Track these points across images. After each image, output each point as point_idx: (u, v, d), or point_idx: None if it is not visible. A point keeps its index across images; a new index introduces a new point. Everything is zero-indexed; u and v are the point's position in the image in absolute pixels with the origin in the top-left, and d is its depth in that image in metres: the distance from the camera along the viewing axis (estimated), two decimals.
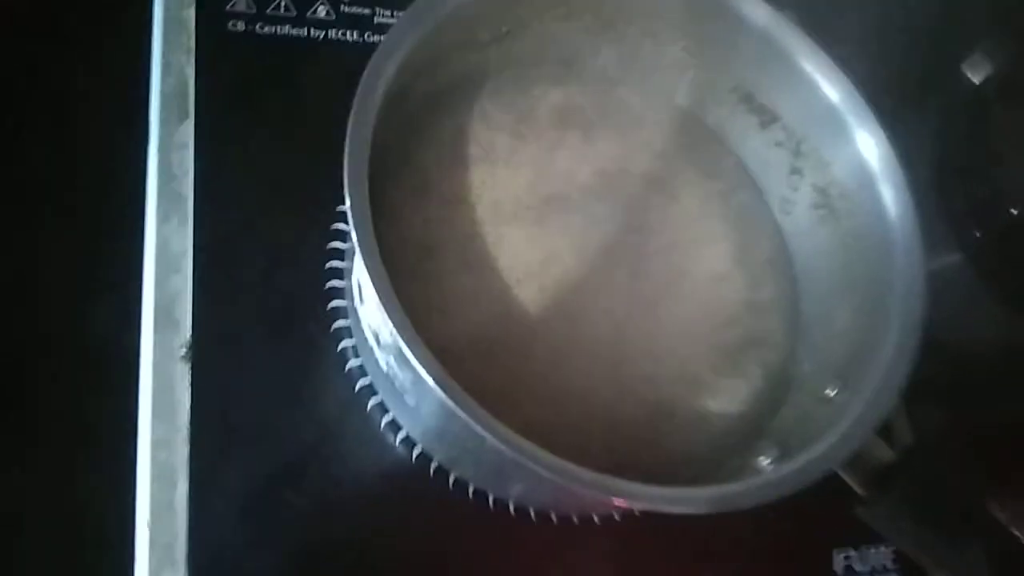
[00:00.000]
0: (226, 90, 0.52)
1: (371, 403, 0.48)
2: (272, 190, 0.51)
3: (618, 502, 0.36)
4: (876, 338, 0.43)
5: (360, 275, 0.42)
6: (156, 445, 0.45)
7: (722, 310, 0.48)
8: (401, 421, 0.47)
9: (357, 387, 0.48)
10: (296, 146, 0.52)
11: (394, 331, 0.35)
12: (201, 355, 0.47)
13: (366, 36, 0.56)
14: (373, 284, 0.35)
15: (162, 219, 0.49)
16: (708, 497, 0.37)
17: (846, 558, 0.52)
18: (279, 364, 0.48)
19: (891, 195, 0.45)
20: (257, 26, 0.54)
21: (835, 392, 0.43)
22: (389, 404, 0.47)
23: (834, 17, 0.51)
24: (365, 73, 0.39)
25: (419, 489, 0.47)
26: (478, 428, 0.34)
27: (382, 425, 0.47)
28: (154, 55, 0.52)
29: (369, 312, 0.43)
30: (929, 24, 0.70)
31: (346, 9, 0.56)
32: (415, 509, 0.47)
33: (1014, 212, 0.64)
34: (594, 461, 0.35)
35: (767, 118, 0.50)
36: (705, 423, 0.45)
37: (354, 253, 0.43)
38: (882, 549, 0.52)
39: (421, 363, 0.35)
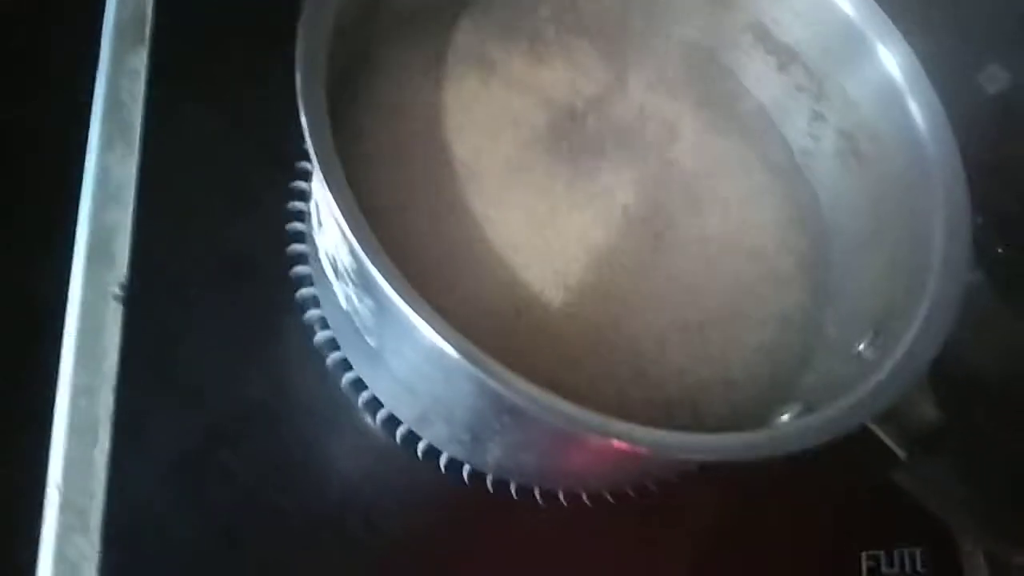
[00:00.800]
0: (187, 20, 0.48)
1: (332, 359, 0.42)
2: (229, 125, 0.46)
3: (618, 445, 0.30)
4: (915, 286, 0.37)
5: (318, 192, 0.37)
6: (77, 392, 0.39)
7: (748, 270, 0.42)
8: (365, 377, 0.41)
9: (317, 340, 0.42)
10: (255, 84, 0.47)
11: (350, 235, 0.29)
12: (137, 295, 0.41)
13: None
14: (329, 191, 0.30)
15: (105, 146, 0.44)
16: (715, 444, 0.32)
17: (873, 559, 0.45)
18: (227, 310, 0.42)
19: (921, 113, 0.40)
20: None
21: (865, 346, 0.38)
22: (351, 357, 0.42)
23: None
24: None
25: (383, 457, 0.41)
26: (449, 349, 0.28)
27: (343, 383, 0.41)
28: None
29: (327, 236, 0.37)
30: (943, 32, 0.67)
31: None
32: (376, 480, 0.41)
33: None
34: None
35: (786, 58, 0.45)
36: (729, 387, 0.39)
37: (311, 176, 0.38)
38: (908, 551, 0.46)
39: (380, 271, 0.29)
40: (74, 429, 0.39)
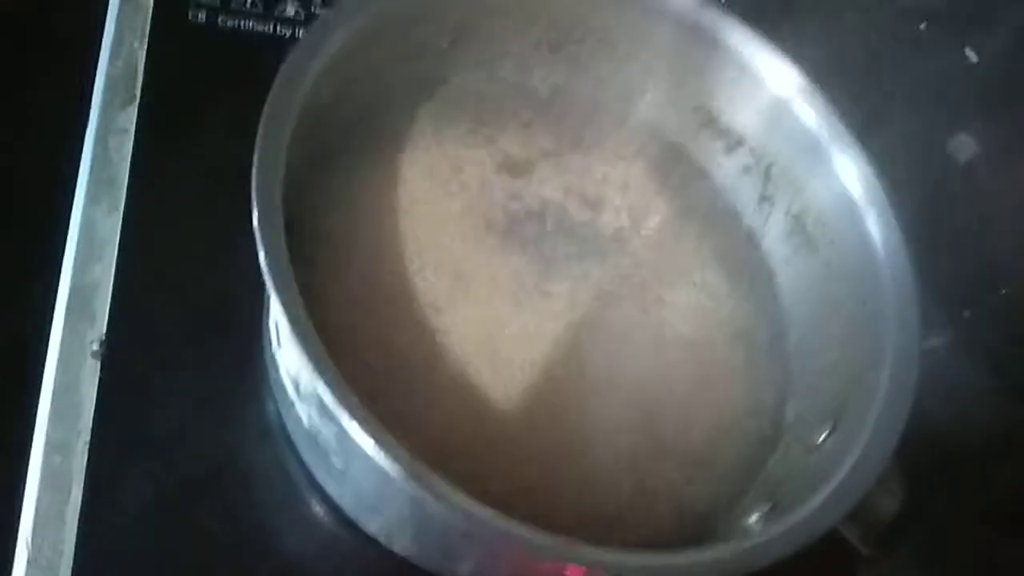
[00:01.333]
0: (177, 80, 0.49)
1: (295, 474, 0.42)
2: (213, 187, 0.46)
3: (592, 573, 0.31)
4: (868, 377, 0.38)
5: (276, 311, 0.36)
6: (51, 447, 0.40)
7: (702, 364, 0.43)
8: (331, 491, 0.41)
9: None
10: (245, 146, 0.48)
11: (313, 372, 0.30)
12: (114, 353, 0.42)
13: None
14: (285, 313, 0.30)
15: (90, 201, 0.45)
16: (693, 563, 0.32)
17: None
18: (202, 371, 0.43)
19: (875, 220, 0.41)
20: (220, 19, 0.51)
21: (826, 437, 0.39)
22: (316, 473, 0.41)
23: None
24: (276, 84, 0.36)
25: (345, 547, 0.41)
26: (421, 491, 0.29)
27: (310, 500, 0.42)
28: (106, 35, 0.49)
29: (288, 356, 0.37)
30: (915, 103, 0.69)
31: (318, 10, 0.53)
32: (338, 564, 0.41)
33: (1004, 291, 0.62)
34: (562, 528, 0.30)
35: (732, 141, 0.46)
36: (689, 482, 0.39)
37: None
38: None
39: (346, 409, 0.29)
40: (47, 485, 0.39)
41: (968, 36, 0.66)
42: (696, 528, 0.39)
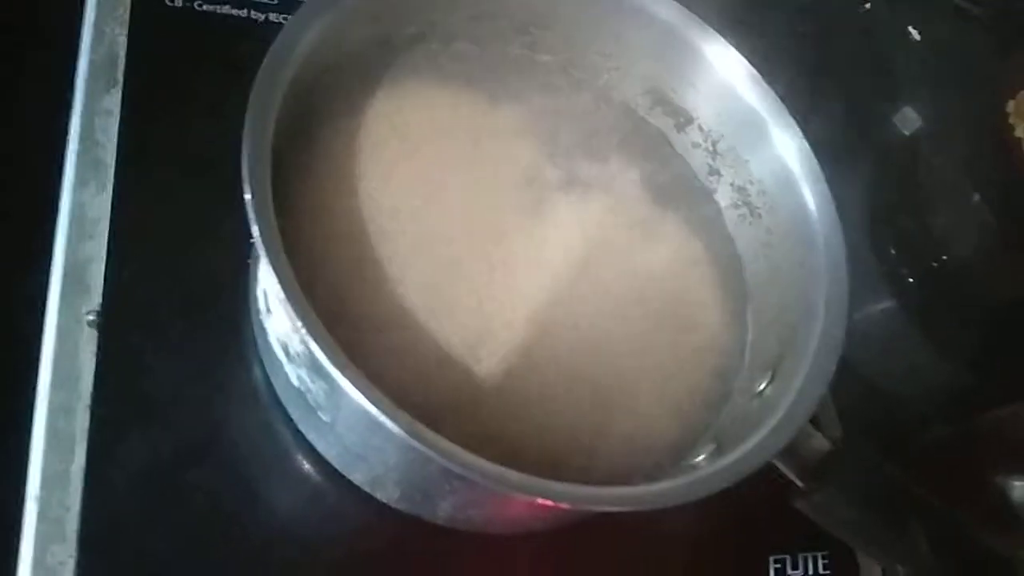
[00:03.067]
0: (158, 63, 0.51)
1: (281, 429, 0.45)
2: (197, 166, 0.49)
3: (555, 504, 0.34)
4: (803, 331, 0.42)
5: (266, 281, 0.40)
6: (54, 411, 0.43)
7: (670, 311, 0.46)
8: (316, 444, 0.44)
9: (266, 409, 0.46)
10: (225, 125, 0.50)
11: (305, 336, 0.32)
12: (110, 323, 0.45)
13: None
14: (280, 286, 0.33)
15: (80, 183, 0.47)
16: (640, 495, 0.36)
17: (779, 563, 0.51)
18: (193, 338, 0.46)
19: (810, 190, 0.45)
20: (196, 3, 0.53)
21: (765, 386, 0.43)
22: (302, 426, 0.44)
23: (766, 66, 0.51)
24: (263, 66, 0.38)
25: (331, 497, 0.45)
26: (409, 439, 0.32)
27: (295, 451, 0.45)
28: (85, 22, 0.51)
29: (277, 322, 0.40)
30: (862, 76, 0.72)
31: None
32: (323, 513, 0.45)
33: (945, 257, 0.66)
34: (528, 468, 0.34)
35: (683, 120, 0.50)
36: (649, 431, 0.43)
37: (258, 263, 0.41)
38: (812, 556, 0.52)
39: (338, 368, 0.32)
40: (51, 446, 0.42)
41: (911, 16, 0.69)
42: (650, 470, 0.42)
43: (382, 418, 0.32)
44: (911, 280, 0.68)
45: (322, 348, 0.32)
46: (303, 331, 0.33)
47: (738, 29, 0.49)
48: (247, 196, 0.34)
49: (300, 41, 0.39)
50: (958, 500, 0.50)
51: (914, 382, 0.68)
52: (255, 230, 0.34)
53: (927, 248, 0.68)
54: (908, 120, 0.70)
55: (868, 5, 0.72)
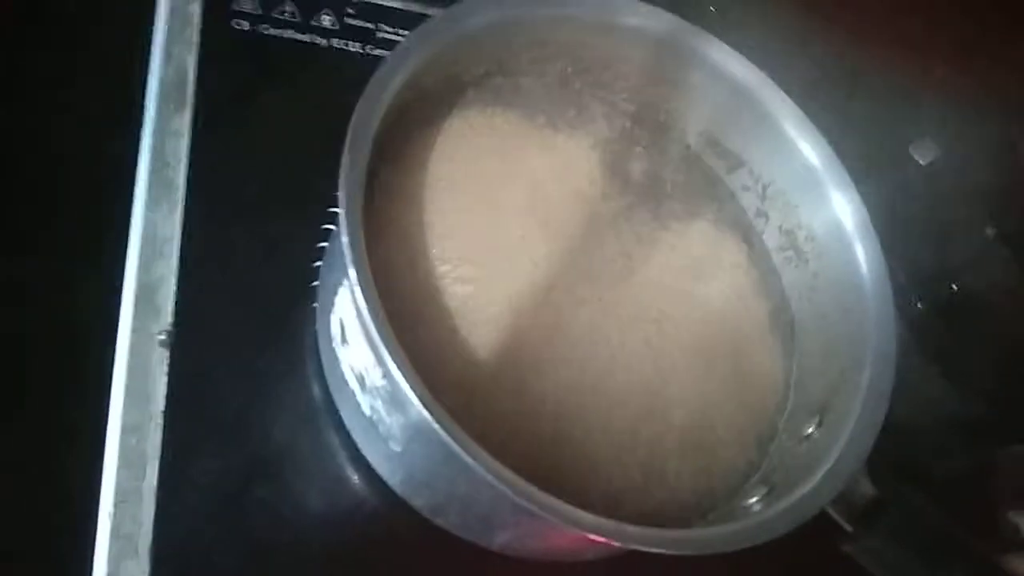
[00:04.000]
0: (226, 85, 0.52)
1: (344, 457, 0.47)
2: (264, 187, 0.51)
3: (617, 544, 0.36)
4: (850, 378, 0.44)
5: (345, 314, 0.41)
6: (127, 430, 0.44)
7: (724, 348, 0.47)
8: (379, 469, 0.45)
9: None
10: (291, 146, 0.52)
11: (397, 377, 0.34)
12: (181, 342, 0.46)
13: (367, 48, 0.57)
14: (373, 325, 0.34)
15: (151, 204, 0.48)
16: (704, 539, 0.38)
17: None
18: (262, 359, 0.47)
19: (860, 242, 0.47)
20: (261, 27, 0.55)
21: (813, 430, 0.45)
22: (368, 454, 0.46)
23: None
24: (359, 106, 0.39)
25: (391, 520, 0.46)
26: (489, 477, 0.34)
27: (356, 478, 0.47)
28: (155, 45, 0.52)
29: (355, 354, 0.41)
30: (882, 108, 0.74)
31: (350, 21, 0.57)
32: (383, 536, 0.47)
33: (957, 288, 0.68)
34: (590, 506, 0.36)
35: (733, 163, 0.52)
36: (705, 471, 0.44)
37: (335, 290, 0.42)
38: None
39: (430, 411, 0.34)
40: (124, 463, 0.43)
41: None
42: (695, 509, 0.44)
43: (466, 458, 0.34)
44: (922, 308, 0.69)
45: (414, 391, 0.34)
46: (393, 371, 0.34)
47: (763, 54, 0.50)
48: (344, 240, 0.35)
49: (392, 80, 0.40)
50: (978, 535, 0.52)
51: (928, 414, 0.70)
52: (352, 272, 0.35)
53: (938, 277, 0.69)
54: (926, 150, 0.71)
55: None
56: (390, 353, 0.34)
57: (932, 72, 0.72)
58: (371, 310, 0.35)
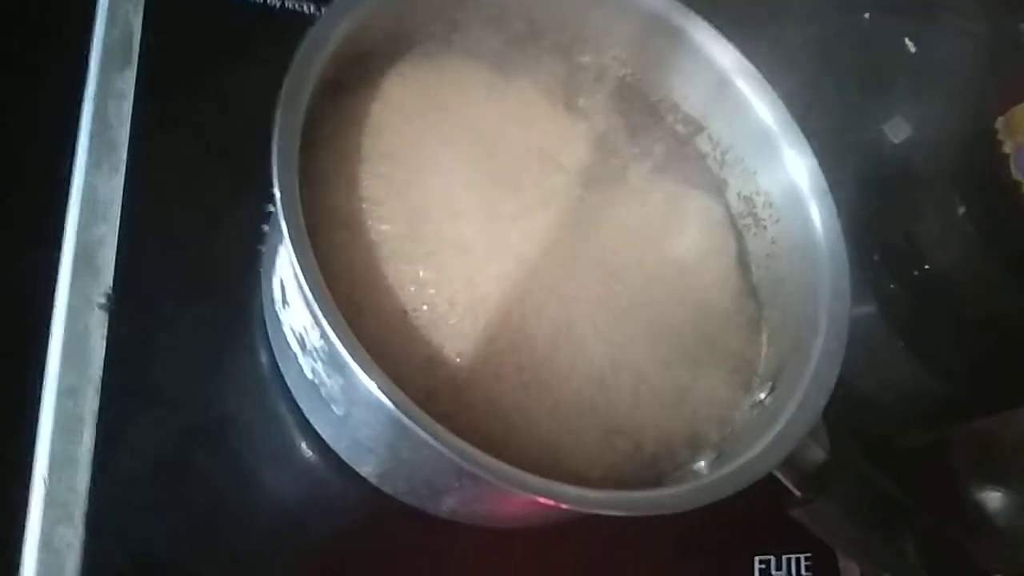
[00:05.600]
0: (173, 46, 0.51)
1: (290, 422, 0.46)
2: (210, 150, 0.50)
3: (563, 507, 0.35)
4: (803, 342, 0.43)
5: (285, 274, 0.40)
6: (63, 394, 0.43)
7: (694, 311, 0.46)
8: (325, 435, 0.45)
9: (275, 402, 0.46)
10: (239, 109, 0.51)
11: (330, 334, 0.33)
12: (120, 306, 0.45)
13: (322, 10, 0.55)
14: (306, 283, 0.33)
15: (92, 166, 0.47)
16: (645, 500, 0.37)
17: (763, 563, 0.52)
18: (202, 323, 0.46)
19: (817, 205, 0.46)
20: None
21: (765, 396, 0.44)
22: (312, 418, 0.45)
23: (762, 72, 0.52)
24: (293, 65, 0.38)
25: (335, 487, 0.46)
26: (429, 439, 0.33)
27: (302, 442, 0.46)
28: (100, 4, 0.51)
29: (295, 315, 0.40)
30: (856, 87, 0.73)
31: None
32: (327, 502, 0.46)
33: (928, 267, 0.67)
34: (534, 468, 0.35)
35: (693, 128, 0.51)
36: (661, 436, 0.43)
37: (276, 253, 0.41)
38: (798, 556, 0.53)
39: (364, 369, 0.33)
40: (60, 428, 0.42)
41: (908, 29, 0.70)
42: (651, 472, 0.43)
43: (405, 420, 0.33)
44: (893, 287, 0.69)
45: (346, 347, 0.33)
46: (327, 329, 0.33)
47: (739, 32, 0.50)
48: (276, 193, 0.34)
49: (329, 38, 0.39)
50: (934, 508, 0.52)
51: (892, 389, 0.69)
52: (285, 228, 0.34)
53: (911, 257, 0.69)
54: (898, 129, 0.71)
55: (868, 15, 0.73)
56: (321, 308, 0.33)
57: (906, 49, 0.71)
58: (303, 264, 0.34)
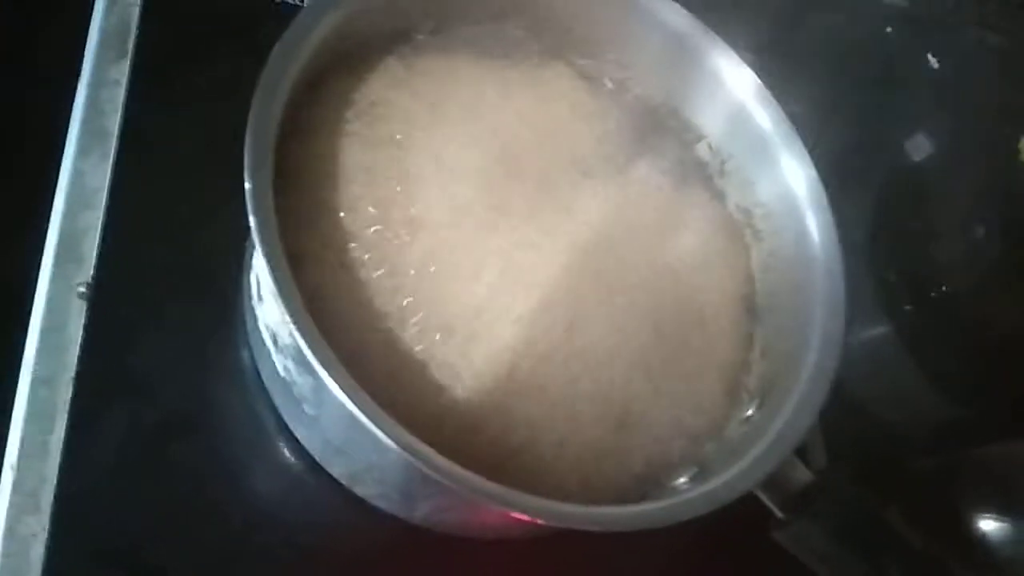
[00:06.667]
0: (169, 36, 0.51)
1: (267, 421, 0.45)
2: (202, 142, 0.49)
3: (530, 520, 0.34)
4: (795, 358, 0.42)
5: (261, 269, 0.38)
6: (38, 382, 0.42)
7: (688, 319, 0.44)
8: (299, 435, 0.44)
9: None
10: (233, 102, 0.50)
11: (295, 332, 0.32)
12: (102, 295, 0.44)
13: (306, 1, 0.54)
14: (271, 275, 0.32)
15: (81, 152, 0.47)
16: (618, 516, 0.36)
17: None
18: (184, 316, 0.46)
19: (814, 218, 0.44)
20: None
21: (753, 412, 0.42)
22: (286, 417, 0.44)
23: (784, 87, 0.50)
24: (270, 58, 0.37)
25: (309, 487, 0.45)
26: (389, 442, 0.32)
27: (278, 442, 0.45)
28: None
29: (268, 311, 0.40)
30: (878, 99, 0.72)
31: None
32: (301, 503, 0.45)
33: (945, 288, 0.66)
34: (510, 481, 0.34)
35: (692, 136, 0.49)
36: (650, 449, 0.41)
37: (254, 247, 0.39)
38: None
39: (324, 367, 0.32)
40: (32, 416, 0.42)
41: (932, 44, 0.69)
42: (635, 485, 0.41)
43: (367, 423, 0.32)
44: (908, 308, 0.67)
45: (310, 346, 0.32)
46: (292, 328, 0.32)
47: (760, 46, 0.48)
48: (247, 185, 0.34)
49: (309, 36, 0.38)
50: (935, 533, 0.50)
51: (902, 411, 0.68)
52: (252, 221, 0.33)
53: (927, 277, 0.67)
54: (919, 147, 0.69)
55: (890, 29, 0.71)
56: (286, 303, 0.32)
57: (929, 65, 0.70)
58: (269, 256, 0.33)
